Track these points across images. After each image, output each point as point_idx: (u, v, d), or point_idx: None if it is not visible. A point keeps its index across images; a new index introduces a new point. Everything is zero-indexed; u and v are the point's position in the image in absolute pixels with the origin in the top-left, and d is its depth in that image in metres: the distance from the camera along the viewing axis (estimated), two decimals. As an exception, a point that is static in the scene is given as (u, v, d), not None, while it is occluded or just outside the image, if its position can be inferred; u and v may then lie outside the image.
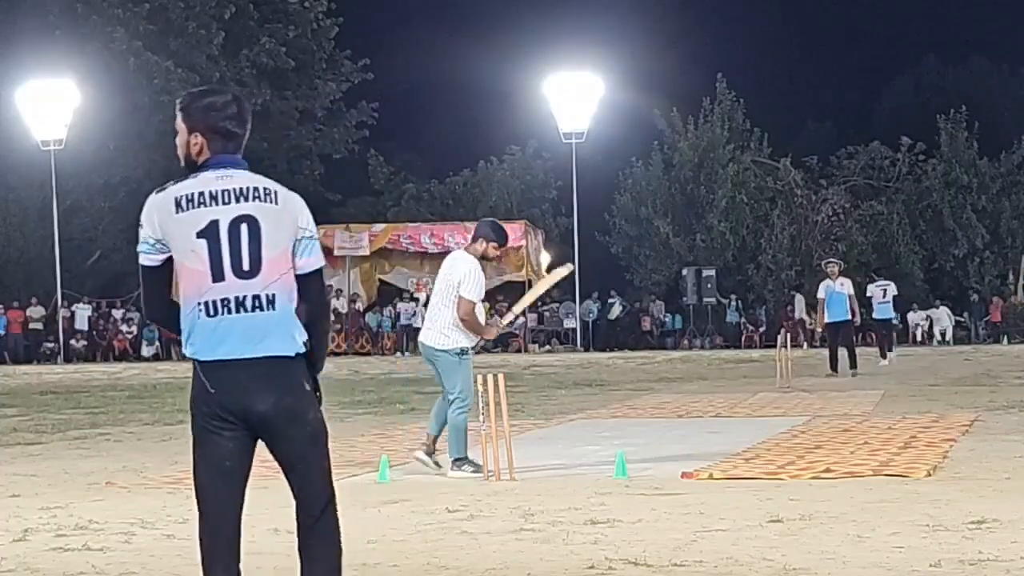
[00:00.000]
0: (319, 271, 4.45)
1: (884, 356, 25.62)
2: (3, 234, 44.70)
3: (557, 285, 14.70)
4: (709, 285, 42.83)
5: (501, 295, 37.24)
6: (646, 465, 10.18)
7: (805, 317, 41.60)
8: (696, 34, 62.88)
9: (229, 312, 4.27)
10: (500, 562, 6.49)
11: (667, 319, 44.23)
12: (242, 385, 4.26)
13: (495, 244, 9.96)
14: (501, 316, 13.03)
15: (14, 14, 46.42)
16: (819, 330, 27.71)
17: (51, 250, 41.61)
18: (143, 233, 4.34)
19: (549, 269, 43.15)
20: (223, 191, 4.31)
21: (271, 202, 4.35)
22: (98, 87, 42.62)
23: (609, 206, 46.64)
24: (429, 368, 10.18)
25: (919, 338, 41.81)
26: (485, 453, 9.65)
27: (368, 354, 39.43)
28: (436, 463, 9.96)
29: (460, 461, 9.81)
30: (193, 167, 4.40)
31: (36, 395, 22.23)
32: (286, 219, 4.36)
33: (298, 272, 4.38)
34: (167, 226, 4.30)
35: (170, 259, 4.33)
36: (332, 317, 40.00)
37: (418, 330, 41.24)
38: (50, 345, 41.25)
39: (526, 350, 39.76)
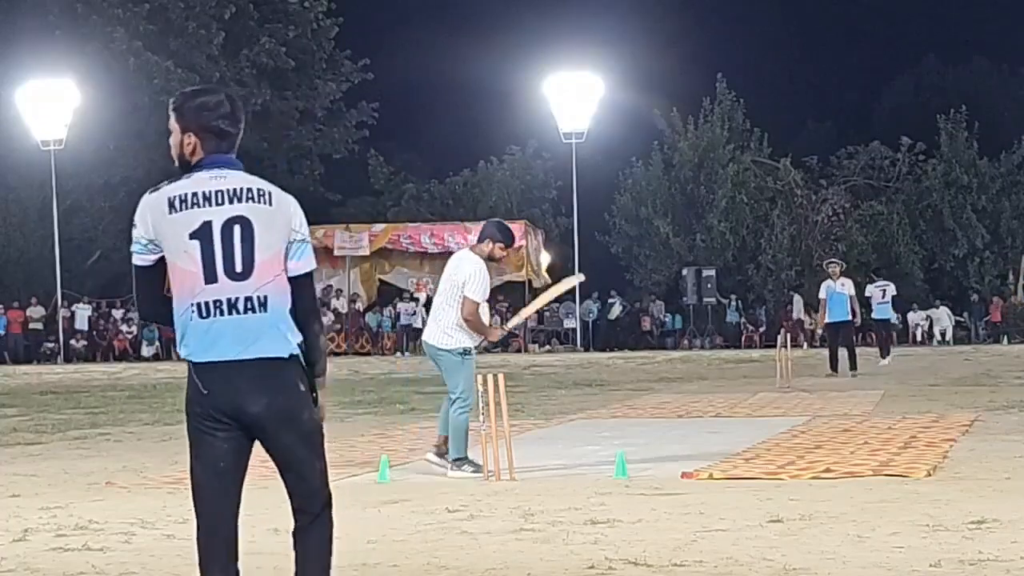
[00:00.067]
0: (310, 274, 4.45)
1: (884, 356, 25.61)
2: (3, 234, 44.70)
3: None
4: (709, 285, 42.84)
5: (502, 295, 37.26)
6: (646, 465, 10.18)
7: (804, 317, 41.62)
8: (696, 34, 62.93)
9: (222, 314, 4.26)
10: (500, 562, 6.49)
11: (667, 319, 44.23)
12: (235, 386, 4.26)
13: (501, 245, 9.95)
14: (503, 319, 13.05)
15: (14, 14, 46.42)
16: (819, 331, 27.73)
17: (51, 250, 41.63)
18: (136, 233, 4.34)
19: (549, 270, 43.52)
20: (216, 192, 4.31)
21: (265, 203, 4.34)
22: (98, 87, 42.62)
23: (609, 206, 46.65)
24: (432, 367, 10.18)
25: (919, 338, 41.82)
26: (485, 453, 9.65)
27: (368, 354, 39.43)
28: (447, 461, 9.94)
29: (460, 461, 9.81)
30: (187, 167, 4.39)
31: (36, 395, 22.23)
32: (279, 221, 4.35)
33: (289, 275, 4.37)
34: (160, 226, 4.30)
35: (163, 259, 4.33)
36: (332, 317, 40.11)
37: (418, 330, 41.39)
38: (50, 345, 41.27)
39: (526, 350, 39.77)
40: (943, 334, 41.74)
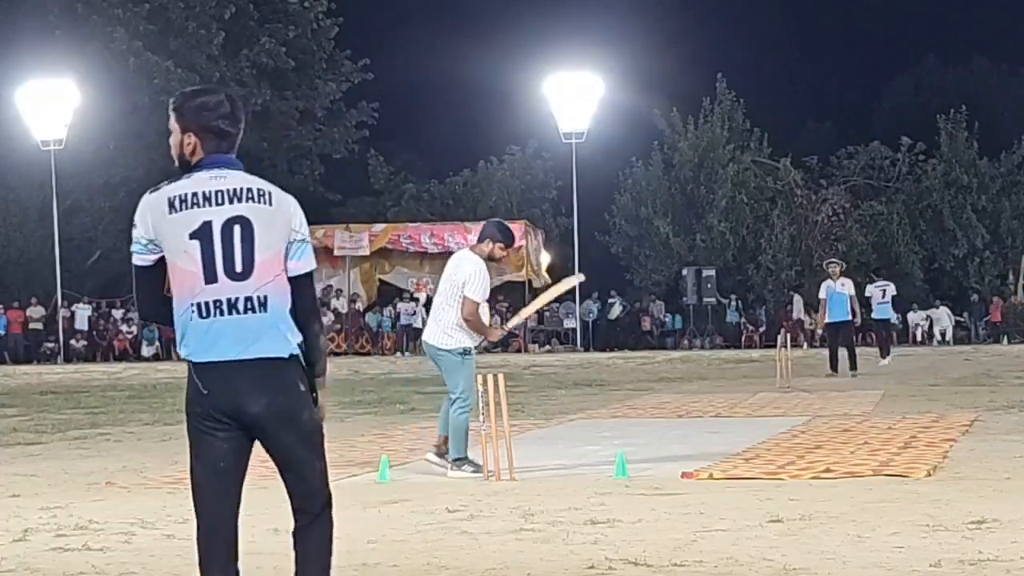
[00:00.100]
0: (310, 274, 4.45)
1: (884, 356, 25.62)
2: (3, 234, 44.70)
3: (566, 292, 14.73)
4: (709, 285, 42.84)
5: (501, 295, 37.25)
6: (646, 465, 10.18)
7: (803, 317, 41.64)
8: (696, 34, 62.93)
9: (222, 314, 4.26)
10: (500, 562, 6.49)
11: (667, 319, 44.24)
12: (235, 386, 4.25)
13: (502, 245, 9.95)
14: (502, 319, 13.05)
15: (14, 14, 46.42)
16: (819, 331, 27.72)
17: (51, 250, 41.64)
18: (136, 233, 4.34)
19: (549, 270, 43.51)
20: (216, 192, 4.30)
21: (265, 203, 4.33)
22: (98, 87, 42.63)
23: (609, 206, 46.64)
24: (432, 367, 10.18)
25: (919, 338, 41.82)
26: (485, 453, 9.65)
27: (368, 354, 39.43)
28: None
29: (460, 461, 9.81)
30: (187, 167, 4.39)
31: (36, 395, 22.23)
32: (280, 221, 4.35)
33: (289, 275, 4.37)
34: (160, 226, 4.29)
35: (163, 259, 4.32)
36: (332, 317, 40.11)
37: (418, 330, 41.37)
38: (50, 345, 41.27)
39: (526, 350, 39.76)
40: (943, 334, 41.75)
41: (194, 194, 4.30)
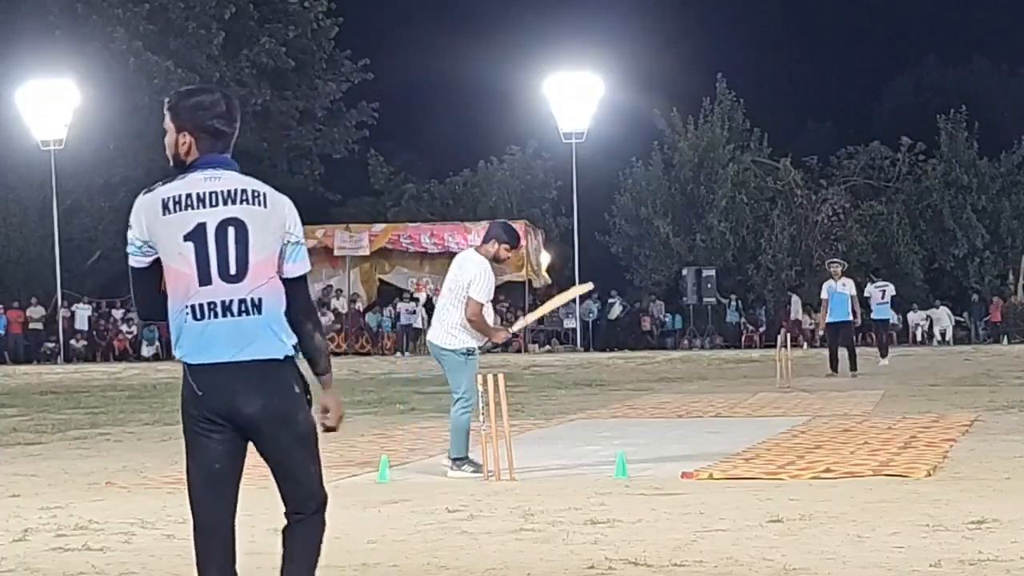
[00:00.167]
0: (305, 276, 4.43)
1: (884, 355, 25.64)
2: (3, 234, 44.70)
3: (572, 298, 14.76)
4: (709, 285, 42.84)
5: (502, 295, 37.22)
6: (646, 465, 10.18)
7: (801, 318, 41.64)
8: (696, 34, 62.93)
9: (216, 316, 4.25)
10: (500, 562, 6.49)
11: (667, 319, 44.24)
12: (230, 388, 4.25)
13: (507, 246, 9.95)
14: (502, 319, 13.05)
15: (14, 14, 46.42)
16: (820, 331, 27.72)
17: (51, 250, 41.64)
18: (131, 235, 4.33)
19: (549, 269, 43.51)
20: (210, 193, 4.28)
21: (259, 205, 4.31)
22: (98, 87, 42.63)
23: (609, 206, 46.64)
24: (433, 367, 10.18)
25: (919, 338, 41.82)
26: (485, 453, 9.65)
27: (368, 354, 39.42)
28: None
29: (460, 461, 9.81)
30: (182, 166, 4.37)
31: (36, 395, 22.23)
32: (274, 222, 4.33)
33: (285, 277, 4.36)
34: (154, 228, 4.28)
35: (158, 260, 4.32)
36: (332, 317, 40.11)
37: (418, 330, 41.28)
38: (50, 345, 41.27)
39: (526, 350, 39.75)
40: (943, 334, 41.75)
41: (188, 195, 4.28)
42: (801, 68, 68.91)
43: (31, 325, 41.19)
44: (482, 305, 9.69)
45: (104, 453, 12.39)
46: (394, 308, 41.66)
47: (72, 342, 41.15)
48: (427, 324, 39.96)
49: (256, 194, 4.33)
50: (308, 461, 4.36)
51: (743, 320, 43.82)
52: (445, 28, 66.42)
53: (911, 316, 42.10)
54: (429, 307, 40.92)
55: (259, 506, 6.87)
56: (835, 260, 23.75)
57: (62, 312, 41.09)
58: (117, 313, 42.54)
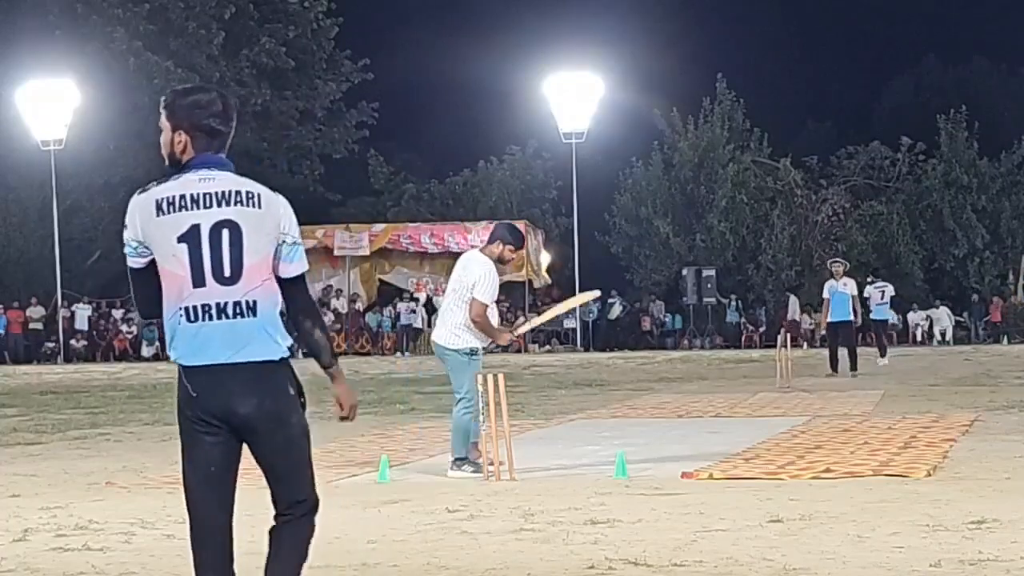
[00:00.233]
0: (303, 275, 4.41)
1: (883, 355, 25.65)
2: (3, 234, 44.70)
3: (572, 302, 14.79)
4: (709, 285, 42.83)
5: (503, 295, 37.21)
6: (646, 465, 10.19)
7: (798, 318, 41.63)
8: (696, 34, 62.91)
9: (211, 318, 4.23)
10: (500, 562, 6.49)
11: (667, 319, 44.24)
12: (226, 389, 4.23)
13: (511, 247, 9.96)
14: (503, 319, 13.05)
15: (14, 14, 46.42)
16: (821, 331, 27.72)
17: (51, 250, 41.63)
18: (127, 235, 4.32)
19: (549, 269, 43.50)
20: (204, 194, 4.26)
21: (253, 206, 4.29)
22: (98, 87, 42.62)
23: (609, 206, 46.64)
24: (434, 367, 10.19)
25: (919, 338, 41.81)
26: (485, 453, 9.65)
27: (368, 354, 39.41)
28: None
29: (460, 461, 9.81)
30: (177, 165, 4.35)
31: (36, 395, 22.23)
32: (268, 223, 4.31)
33: (284, 276, 4.35)
34: (148, 229, 4.27)
35: (155, 260, 4.31)
36: (332, 317, 40.09)
37: (418, 330, 41.21)
38: (50, 345, 41.28)
39: (526, 350, 39.75)
40: (943, 334, 41.75)
41: (182, 196, 4.26)
42: (801, 68, 68.94)
43: (31, 325, 41.19)
44: (486, 306, 9.70)
45: (104, 453, 12.39)
46: (394, 308, 41.66)
47: (72, 342, 41.15)
48: (427, 324, 40.02)
49: (250, 195, 4.30)
50: (301, 463, 4.35)
51: (743, 320, 43.81)
52: (445, 28, 66.51)
53: (911, 316, 42.09)
54: (429, 307, 40.98)
55: (259, 506, 6.85)
56: (837, 260, 23.78)
57: (62, 312, 41.09)
58: (117, 313, 42.54)
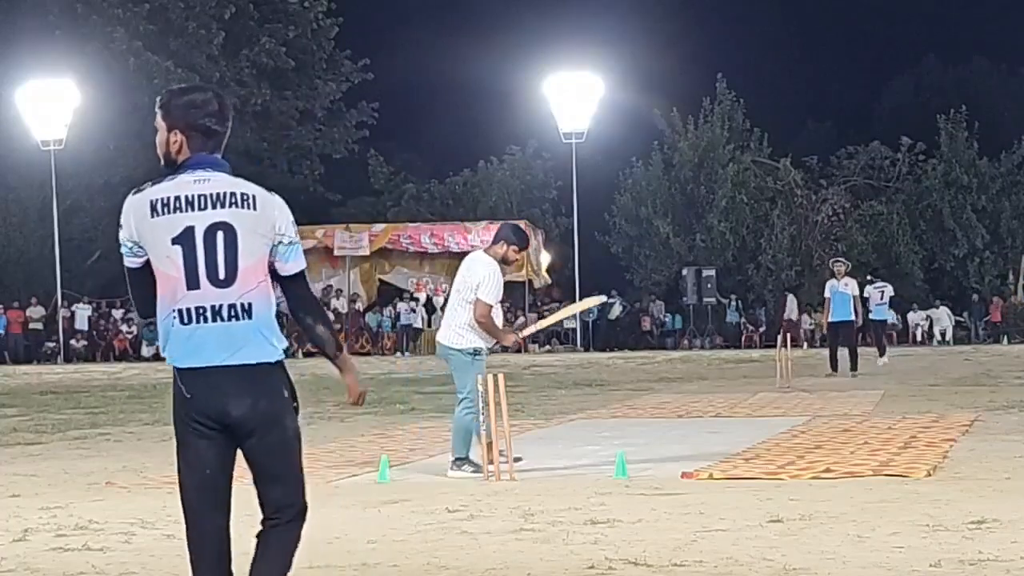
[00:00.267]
0: (302, 272, 4.40)
1: (882, 355, 25.65)
2: (3, 234, 44.70)
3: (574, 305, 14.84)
4: (709, 285, 42.83)
5: (503, 295, 37.19)
6: (646, 465, 10.18)
7: (793, 318, 41.62)
8: (696, 34, 62.91)
9: (205, 320, 4.21)
10: (500, 562, 6.49)
11: (667, 319, 44.24)
12: (221, 390, 4.22)
13: (516, 248, 9.97)
14: (503, 319, 13.03)
15: (14, 14, 46.42)
16: (822, 331, 27.73)
17: (51, 250, 41.64)
18: (122, 235, 4.30)
19: (549, 269, 43.49)
20: (199, 196, 4.24)
21: (248, 208, 4.27)
22: (98, 87, 42.63)
23: (609, 206, 46.64)
24: (434, 367, 10.20)
25: (919, 338, 41.81)
26: (485, 453, 9.65)
27: (368, 354, 39.40)
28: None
29: (461, 461, 9.81)
30: (172, 165, 4.33)
31: (36, 395, 22.22)
32: (264, 225, 4.28)
33: (283, 274, 4.33)
34: (142, 229, 4.25)
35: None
36: (332, 317, 40.07)
37: (418, 330, 41.14)
38: (50, 345, 41.27)
39: (526, 350, 39.74)
40: (943, 334, 41.75)
41: (176, 198, 4.23)
42: (801, 68, 68.94)
43: (31, 325, 41.19)
44: (491, 307, 9.71)
45: (104, 453, 12.38)
46: (394, 308, 41.66)
47: (72, 342, 41.15)
48: (427, 324, 40.03)
49: (245, 197, 4.28)
50: (292, 466, 4.33)
51: (743, 320, 43.81)
52: (445, 28, 66.51)
53: (911, 316, 42.10)
54: (429, 307, 40.99)
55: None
56: (839, 259, 23.79)
57: (62, 312, 41.09)
58: (117, 313, 42.54)
